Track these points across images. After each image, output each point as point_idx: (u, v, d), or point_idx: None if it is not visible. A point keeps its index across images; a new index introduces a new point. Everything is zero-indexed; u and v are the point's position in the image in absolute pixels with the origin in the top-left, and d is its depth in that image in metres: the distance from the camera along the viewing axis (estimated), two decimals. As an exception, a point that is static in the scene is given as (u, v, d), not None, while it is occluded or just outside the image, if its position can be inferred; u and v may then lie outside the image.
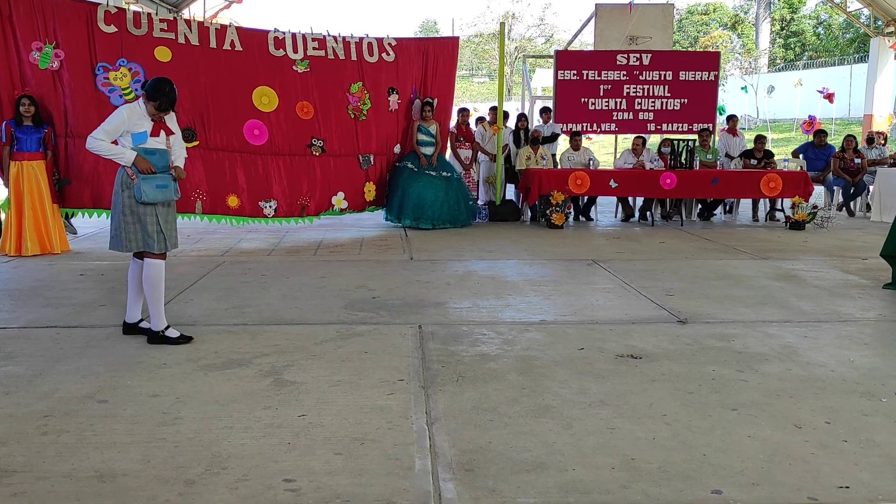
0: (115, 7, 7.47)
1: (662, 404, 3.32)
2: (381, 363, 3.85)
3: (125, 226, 4.07)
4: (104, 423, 3.02)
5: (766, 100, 30.15)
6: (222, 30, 7.90)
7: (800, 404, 3.35)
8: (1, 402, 3.23)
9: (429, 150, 9.14)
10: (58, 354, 3.92)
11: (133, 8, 12.49)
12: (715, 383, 3.61)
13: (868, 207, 10.88)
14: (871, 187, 10.86)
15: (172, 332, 4.17)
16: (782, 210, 10.10)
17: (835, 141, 17.18)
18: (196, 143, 7.59)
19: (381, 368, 3.76)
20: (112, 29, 7.23)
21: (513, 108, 24.15)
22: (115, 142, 4.07)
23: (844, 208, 10.99)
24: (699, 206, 10.46)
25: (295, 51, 8.23)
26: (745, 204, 10.86)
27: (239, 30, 8.11)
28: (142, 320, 4.34)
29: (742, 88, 28.89)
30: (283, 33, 8.23)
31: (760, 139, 10.64)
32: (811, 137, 12.30)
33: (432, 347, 4.14)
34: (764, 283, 6.01)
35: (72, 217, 7.83)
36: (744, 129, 22.43)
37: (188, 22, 7.80)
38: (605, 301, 5.33)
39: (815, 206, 9.49)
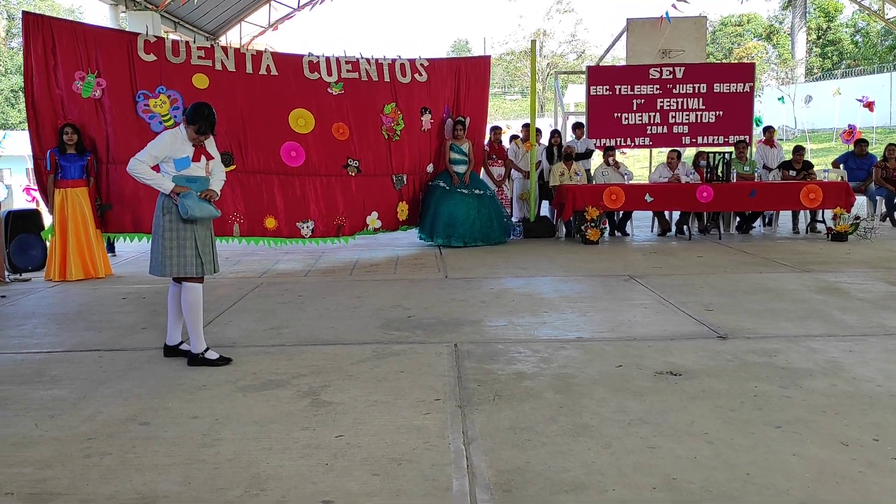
0: (155, 36, 7.67)
1: (703, 422, 3.26)
2: (417, 382, 3.85)
3: (164, 250, 4.15)
4: (146, 445, 3.07)
5: (804, 110, 29.68)
6: (258, 56, 8.06)
7: (846, 421, 3.26)
8: (46, 426, 3.30)
9: (461, 169, 9.18)
10: (101, 377, 4.00)
11: (172, 37, 12.79)
12: (757, 400, 3.54)
13: (913, 217, 10.62)
14: (915, 196, 10.59)
15: (212, 354, 4.23)
16: (823, 221, 9.89)
17: (876, 150, 16.81)
18: (233, 167, 7.73)
19: (417, 388, 3.76)
20: (151, 58, 7.42)
21: (545, 124, 24.14)
22: (156, 168, 4.17)
23: (888, 218, 10.73)
24: (737, 218, 10.31)
25: (329, 74, 8.35)
26: (785, 216, 10.67)
27: (274, 55, 8.26)
28: (182, 343, 4.41)
29: (779, 99, 28.52)
30: (318, 57, 8.37)
31: (799, 150, 10.47)
32: (851, 147, 12.07)
33: (468, 366, 4.13)
34: (806, 296, 5.89)
35: (114, 241, 8.00)
36: (781, 139, 22.10)
37: (225, 49, 7.97)
38: (642, 317, 5.26)
39: (857, 217, 9.28)
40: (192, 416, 3.39)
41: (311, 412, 3.44)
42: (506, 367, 4.11)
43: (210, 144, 4.34)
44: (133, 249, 8.72)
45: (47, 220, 7.47)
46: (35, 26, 6.99)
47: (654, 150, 13.67)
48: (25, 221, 7.61)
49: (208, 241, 4.30)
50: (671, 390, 3.70)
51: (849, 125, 18.27)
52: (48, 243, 7.27)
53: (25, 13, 7.06)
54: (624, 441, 3.06)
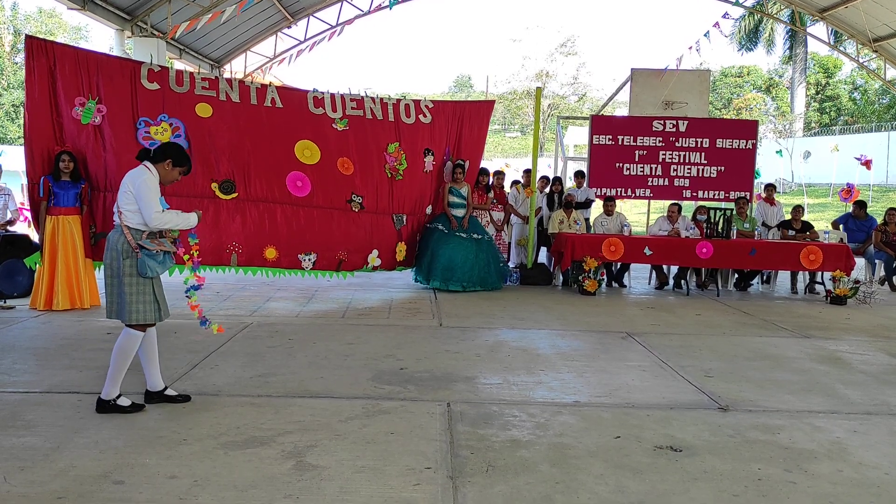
0: (159, 66, 7.60)
1: (706, 509, 3.11)
2: (407, 447, 3.69)
3: (126, 296, 3.98)
4: (118, 508, 2.90)
5: (802, 164, 29.87)
6: (262, 88, 8.01)
7: (855, 514, 3.12)
8: (16, 479, 3.13)
9: (460, 212, 9.09)
10: (77, 425, 3.83)
11: (176, 65, 12.79)
12: (762, 485, 3.39)
13: (912, 282, 10.55)
14: (914, 261, 10.54)
15: (124, 401, 4.06)
16: (822, 283, 9.82)
17: (872, 207, 16.77)
18: (235, 194, 7.62)
19: (407, 453, 3.60)
20: (155, 86, 7.35)
21: (545, 164, 24.17)
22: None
23: (887, 282, 10.67)
24: (735, 275, 10.22)
25: (334, 110, 8.29)
26: (784, 275, 10.59)
27: (279, 89, 8.21)
28: (167, 388, 4.25)
29: (777, 152, 28.64)
30: (323, 93, 8.31)
31: (798, 210, 10.43)
32: (849, 206, 12.05)
33: (461, 430, 3.97)
34: (807, 365, 5.76)
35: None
36: (778, 193, 22.13)
37: (229, 81, 7.92)
38: (640, 381, 5.12)
39: (856, 281, 9.20)
40: (170, 476, 3.22)
41: (296, 477, 3.27)
42: (500, 432, 3.96)
43: None
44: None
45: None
46: (38, 50, 6.91)
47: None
48: (14, 246, 7.46)
49: (160, 285, 4.18)
50: (672, 468, 3.55)
51: (847, 184, 18.31)
52: (35, 270, 7.10)
53: (29, 37, 6.99)
54: (623, 528, 2.91)
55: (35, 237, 7.30)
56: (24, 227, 9.40)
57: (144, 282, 4.02)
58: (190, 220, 4.15)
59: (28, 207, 8.16)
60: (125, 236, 3.98)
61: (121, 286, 3.99)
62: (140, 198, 3.96)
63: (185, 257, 4.41)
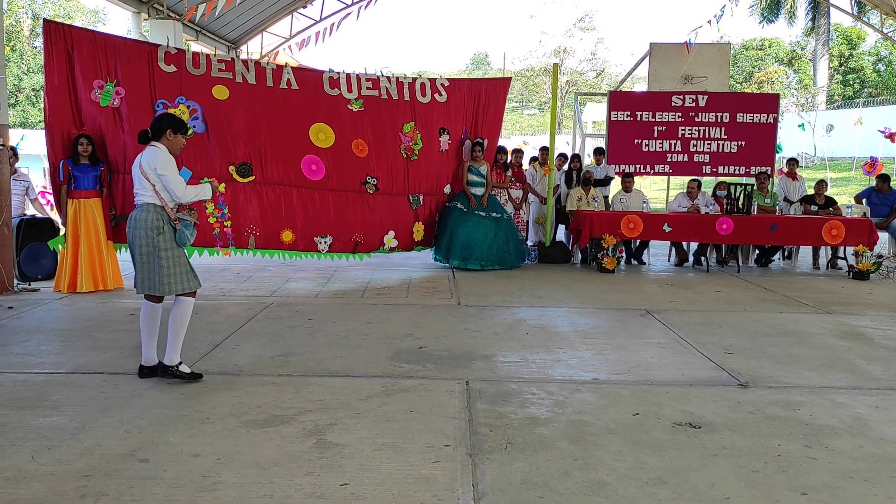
0: (176, 48, 7.62)
1: (725, 484, 3.11)
2: (426, 424, 3.72)
3: (163, 269, 4.17)
4: (143, 486, 2.95)
5: (825, 138, 29.42)
6: (279, 70, 8.00)
7: (875, 489, 3.11)
8: (43, 458, 3.20)
9: (479, 191, 9.07)
10: (103, 404, 3.89)
11: (193, 47, 12.79)
12: (781, 460, 3.38)
13: (936, 256, 10.39)
14: (939, 235, 10.37)
15: (185, 368, 4.31)
16: (845, 258, 9.71)
17: (897, 182, 16.48)
18: (252, 178, 7.65)
19: (426, 431, 3.63)
20: (172, 68, 7.37)
21: (563, 141, 23.99)
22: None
23: (911, 257, 10.52)
24: (756, 251, 10.13)
25: (349, 90, 8.28)
26: (805, 250, 10.49)
27: (295, 70, 8.20)
28: (160, 363, 4.40)
29: (799, 126, 28.23)
30: (338, 73, 8.29)
31: (822, 185, 10.29)
32: (872, 180, 11.86)
33: (480, 408, 4.00)
34: (829, 341, 5.72)
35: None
36: (801, 167, 21.81)
37: (245, 62, 7.92)
38: (659, 358, 5.12)
39: (879, 256, 9.09)
40: (193, 454, 3.27)
41: (316, 454, 3.31)
42: (519, 410, 3.98)
43: None
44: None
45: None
46: (56, 34, 6.95)
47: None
48: (37, 229, 7.56)
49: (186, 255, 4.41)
50: (691, 445, 3.55)
51: (871, 157, 18.02)
52: (58, 253, 7.19)
53: (47, 21, 7.02)
54: (641, 503, 2.92)
55: (58, 220, 7.39)
56: (47, 210, 9.51)
57: (180, 252, 4.23)
58: (206, 190, 4.41)
59: (51, 191, 8.24)
60: (162, 211, 4.17)
61: (157, 261, 4.15)
62: (166, 178, 4.15)
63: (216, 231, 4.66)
